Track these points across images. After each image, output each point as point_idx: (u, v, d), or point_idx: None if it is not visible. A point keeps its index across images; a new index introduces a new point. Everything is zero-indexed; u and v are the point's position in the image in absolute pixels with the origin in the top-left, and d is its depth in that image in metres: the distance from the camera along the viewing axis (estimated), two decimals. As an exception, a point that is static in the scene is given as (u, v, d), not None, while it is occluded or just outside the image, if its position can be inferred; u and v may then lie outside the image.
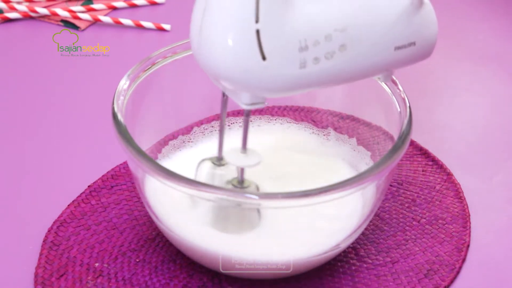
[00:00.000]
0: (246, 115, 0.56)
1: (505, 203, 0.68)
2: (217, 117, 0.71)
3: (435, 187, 0.69)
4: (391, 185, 0.68)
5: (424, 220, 0.65)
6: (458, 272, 0.62)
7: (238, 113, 0.72)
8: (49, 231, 0.63)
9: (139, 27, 0.90)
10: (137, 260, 0.62)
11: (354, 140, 0.68)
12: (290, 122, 0.71)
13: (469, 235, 0.64)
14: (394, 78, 0.62)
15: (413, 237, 0.64)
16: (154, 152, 0.66)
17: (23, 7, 0.90)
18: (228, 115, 0.71)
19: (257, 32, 0.50)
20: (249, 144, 0.58)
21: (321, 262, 0.60)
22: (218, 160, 0.62)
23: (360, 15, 0.53)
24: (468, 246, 0.64)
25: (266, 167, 0.61)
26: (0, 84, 0.82)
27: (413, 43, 0.55)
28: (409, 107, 0.60)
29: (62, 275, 0.60)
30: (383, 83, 0.63)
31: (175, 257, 0.62)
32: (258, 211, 0.59)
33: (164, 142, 0.67)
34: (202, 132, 0.70)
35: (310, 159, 0.67)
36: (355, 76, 0.55)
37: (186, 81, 0.68)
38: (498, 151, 0.74)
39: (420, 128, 0.70)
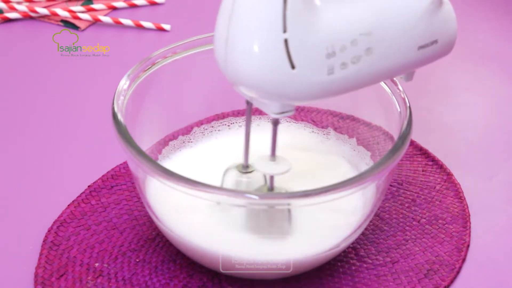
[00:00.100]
0: (274, 124, 0.56)
1: (505, 203, 0.68)
2: (217, 117, 0.71)
3: (435, 187, 0.69)
4: (391, 185, 0.68)
5: (424, 220, 0.65)
6: (458, 272, 0.62)
7: (238, 113, 0.72)
8: (49, 231, 0.63)
9: (139, 27, 0.90)
10: (137, 260, 0.62)
11: (354, 140, 0.68)
12: (289, 122, 0.71)
13: (469, 235, 0.64)
14: (394, 78, 0.62)
15: (413, 237, 0.64)
16: (154, 152, 0.66)
17: (23, 7, 0.90)
18: (228, 115, 0.71)
19: (285, 41, 0.50)
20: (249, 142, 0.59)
21: (321, 262, 0.60)
22: (244, 168, 0.62)
23: (384, 18, 0.53)
24: (468, 246, 0.64)
25: None
26: (0, 84, 0.82)
27: (435, 41, 0.56)
28: (409, 107, 0.60)
29: (62, 275, 0.60)
30: (383, 83, 0.63)
31: (175, 257, 0.62)
32: (289, 217, 0.59)
33: (164, 142, 0.67)
34: (202, 132, 0.70)
35: (311, 157, 0.67)
36: (380, 78, 0.55)
37: (186, 81, 0.68)
38: (498, 151, 0.74)
39: (420, 128, 0.70)
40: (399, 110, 0.61)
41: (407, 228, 0.65)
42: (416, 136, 0.72)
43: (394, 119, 0.61)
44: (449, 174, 0.70)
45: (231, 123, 0.71)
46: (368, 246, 0.63)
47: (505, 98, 0.81)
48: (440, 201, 0.67)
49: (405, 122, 0.58)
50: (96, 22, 0.91)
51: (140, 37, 0.89)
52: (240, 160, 0.62)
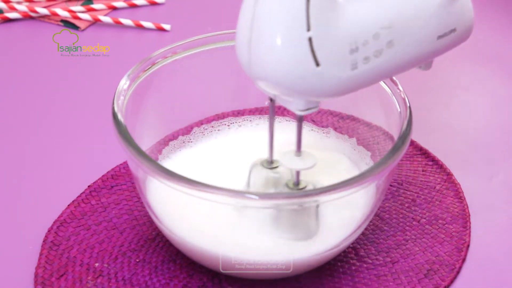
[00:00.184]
0: (299, 120, 0.56)
1: (505, 203, 0.68)
2: (217, 117, 0.71)
3: (435, 187, 0.69)
4: (391, 185, 0.68)
5: (424, 220, 0.65)
6: (458, 272, 0.62)
7: (238, 113, 0.72)
8: (49, 231, 0.63)
9: (139, 27, 0.90)
10: (137, 260, 0.62)
11: (354, 140, 0.68)
12: (289, 121, 0.71)
13: (469, 235, 0.64)
14: (394, 78, 0.62)
15: (413, 237, 0.64)
16: (154, 152, 0.66)
17: (23, 7, 0.90)
18: (228, 115, 0.71)
19: (310, 40, 0.50)
20: (247, 140, 0.59)
21: (321, 262, 0.60)
22: (269, 164, 0.62)
23: (404, 10, 0.54)
24: (468, 246, 0.64)
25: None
26: (0, 84, 0.82)
27: (454, 30, 0.57)
28: (409, 107, 0.60)
29: (62, 275, 0.60)
30: (383, 83, 0.63)
31: (175, 257, 0.62)
32: (316, 218, 0.59)
33: (164, 142, 0.67)
34: (202, 132, 0.70)
35: (312, 152, 0.67)
36: (401, 69, 0.56)
37: (186, 81, 0.68)
38: (498, 151, 0.74)
39: (420, 128, 0.70)
40: (399, 110, 0.61)
41: (407, 228, 0.65)
42: (416, 136, 0.72)
43: (394, 119, 0.61)
44: (449, 174, 0.70)
45: (230, 123, 0.71)
46: (368, 246, 0.63)
47: (505, 98, 0.81)
48: (440, 201, 0.67)
49: (405, 122, 0.58)
50: (96, 22, 0.91)
51: (140, 37, 0.89)
52: (237, 159, 0.63)
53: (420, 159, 0.71)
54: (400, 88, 0.62)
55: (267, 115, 0.72)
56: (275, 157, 0.61)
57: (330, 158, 0.67)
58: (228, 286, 0.60)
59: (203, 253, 0.58)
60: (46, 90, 0.81)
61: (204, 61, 0.67)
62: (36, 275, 0.60)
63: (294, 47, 0.50)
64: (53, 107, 0.78)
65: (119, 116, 0.58)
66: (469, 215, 0.66)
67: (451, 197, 0.68)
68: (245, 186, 0.62)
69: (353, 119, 0.69)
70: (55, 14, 0.91)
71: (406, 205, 0.67)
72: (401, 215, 0.66)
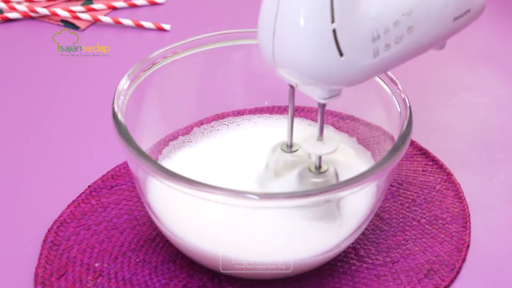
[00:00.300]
0: (321, 108, 0.58)
1: (505, 203, 0.68)
2: (217, 117, 0.71)
3: (435, 187, 0.69)
4: (391, 185, 0.68)
5: (424, 220, 0.65)
6: (458, 272, 0.62)
7: (238, 113, 0.72)
8: (49, 231, 0.63)
9: (139, 27, 0.90)
10: (137, 260, 0.62)
11: (354, 139, 0.68)
12: (286, 118, 0.71)
13: (469, 235, 0.64)
14: (394, 78, 0.62)
15: (413, 237, 0.64)
16: (154, 152, 0.66)
17: (23, 7, 0.90)
18: (228, 115, 0.71)
19: (334, 31, 0.51)
20: (246, 138, 0.61)
21: (321, 262, 0.60)
22: (288, 148, 0.63)
23: None
24: (468, 246, 0.64)
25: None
26: (0, 84, 0.82)
27: (468, 11, 0.58)
28: (409, 107, 0.60)
29: (62, 275, 0.60)
30: (383, 83, 0.63)
31: (175, 257, 0.62)
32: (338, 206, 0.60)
33: (164, 142, 0.67)
34: (202, 132, 0.70)
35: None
36: (419, 52, 0.57)
37: (186, 81, 0.68)
38: (498, 151, 0.74)
39: (420, 128, 0.70)
40: (399, 110, 0.61)
41: (407, 228, 0.65)
42: (416, 136, 0.72)
43: (394, 119, 0.61)
44: (449, 174, 0.70)
45: (230, 123, 0.71)
46: (368, 246, 0.63)
47: (505, 98, 0.81)
48: (440, 201, 0.67)
49: (405, 122, 0.58)
50: (96, 22, 0.91)
51: (140, 37, 0.89)
52: (237, 157, 0.64)
53: (420, 159, 0.71)
54: (400, 88, 0.62)
55: (266, 114, 0.72)
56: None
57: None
58: (228, 286, 0.60)
59: (203, 253, 0.58)
60: (46, 90, 0.81)
61: (204, 61, 0.67)
62: (36, 275, 0.60)
63: (319, 39, 0.52)
64: (53, 107, 0.78)
65: (119, 116, 0.58)
66: (469, 215, 0.66)
67: (451, 197, 0.68)
68: (264, 168, 0.63)
69: (353, 119, 0.69)
70: (55, 14, 0.91)
71: (406, 205, 0.67)
72: (401, 215, 0.66)
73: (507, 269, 0.62)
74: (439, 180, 0.69)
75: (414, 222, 0.65)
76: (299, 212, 0.58)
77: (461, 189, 0.68)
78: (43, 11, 0.90)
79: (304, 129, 0.70)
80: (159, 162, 0.65)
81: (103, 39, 0.88)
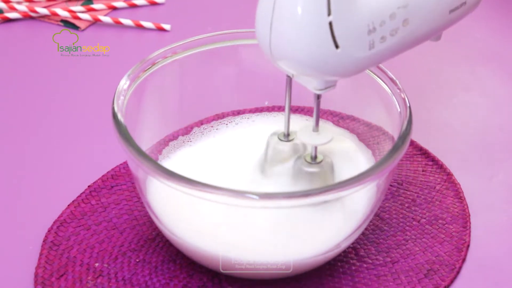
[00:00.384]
0: (317, 98, 0.58)
1: (505, 203, 0.68)
2: (217, 117, 0.71)
3: (435, 187, 0.69)
4: (391, 185, 0.68)
5: (424, 220, 0.65)
6: (458, 272, 0.62)
7: (238, 113, 0.72)
8: (49, 231, 0.63)
9: (139, 27, 0.90)
10: (137, 260, 0.62)
11: (355, 136, 0.68)
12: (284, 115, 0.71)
13: (469, 235, 0.64)
14: (394, 78, 0.62)
15: (413, 237, 0.64)
16: (154, 152, 0.66)
17: (23, 7, 0.90)
18: (228, 115, 0.71)
19: (330, 24, 0.52)
20: (245, 137, 0.61)
21: (321, 262, 0.60)
22: (285, 137, 0.64)
23: None
24: (468, 246, 0.64)
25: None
26: (0, 84, 0.82)
27: (464, 3, 0.59)
28: (409, 107, 0.60)
29: (62, 275, 0.60)
30: (383, 83, 0.63)
31: (175, 257, 0.62)
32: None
33: (164, 142, 0.67)
34: (202, 132, 0.70)
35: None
36: (414, 44, 0.57)
37: (186, 81, 0.68)
38: (498, 151, 0.74)
39: (420, 128, 0.70)
40: (399, 110, 0.61)
41: (407, 228, 0.65)
42: (416, 136, 0.72)
43: (394, 119, 0.61)
44: (449, 174, 0.70)
45: (229, 122, 0.71)
46: (368, 246, 0.63)
47: (505, 98, 0.81)
48: (440, 201, 0.67)
49: (405, 122, 0.58)
50: (96, 22, 0.91)
51: (140, 37, 0.89)
52: (236, 156, 0.64)
53: (420, 159, 0.71)
54: (400, 88, 0.62)
55: (264, 112, 0.72)
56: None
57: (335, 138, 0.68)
58: (228, 286, 0.60)
59: (203, 253, 0.58)
60: (46, 90, 0.81)
61: (204, 61, 0.67)
62: (36, 275, 0.60)
63: (315, 32, 0.52)
64: (53, 107, 0.78)
65: (119, 116, 0.58)
66: (469, 215, 0.66)
67: (451, 197, 0.68)
68: (262, 158, 0.64)
69: (353, 119, 0.69)
70: (55, 14, 0.91)
71: (406, 205, 0.67)
72: (401, 215, 0.66)
73: (507, 269, 0.62)
74: (439, 180, 0.69)
75: (414, 222, 0.65)
76: (299, 212, 0.58)
77: (461, 189, 0.68)
78: (43, 11, 0.90)
79: (302, 123, 0.70)
80: (159, 162, 0.65)
81: (103, 39, 0.88)
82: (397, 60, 0.59)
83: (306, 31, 0.52)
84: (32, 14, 0.91)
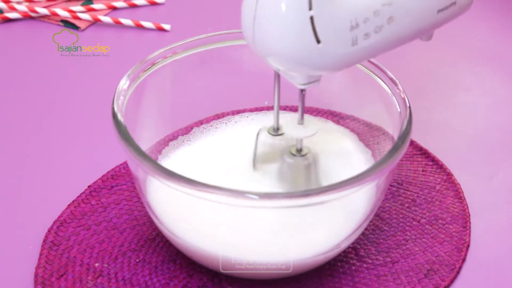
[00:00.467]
0: (301, 92, 0.58)
1: (505, 203, 0.68)
2: (217, 117, 0.71)
3: (435, 187, 0.69)
4: (391, 185, 0.68)
5: (424, 220, 0.65)
6: (458, 272, 0.62)
7: (238, 112, 0.72)
8: (49, 231, 0.63)
9: (139, 27, 0.90)
10: (137, 260, 0.62)
11: (355, 136, 0.68)
12: (282, 113, 0.71)
13: (469, 235, 0.64)
14: (394, 78, 0.62)
15: (413, 237, 0.64)
16: (154, 152, 0.66)
17: (23, 7, 0.90)
18: (228, 114, 0.71)
19: (311, 18, 0.52)
20: (244, 135, 0.62)
21: (321, 262, 0.60)
22: (275, 131, 0.64)
23: None
24: (468, 246, 0.64)
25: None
26: (0, 84, 0.82)
27: (454, 3, 0.58)
28: (409, 107, 0.60)
29: (62, 275, 0.60)
30: (383, 83, 0.63)
31: (175, 257, 0.62)
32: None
33: (164, 142, 0.67)
34: (201, 132, 0.70)
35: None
36: (400, 43, 0.57)
37: (186, 81, 0.68)
38: (498, 151, 0.74)
39: (420, 128, 0.70)
40: (399, 110, 0.61)
41: (407, 228, 0.65)
42: (416, 136, 0.72)
43: (394, 119, 0.61)
44: (449, 174, 0.70)
45: (228, 121, 0.71)
46: (368, 246, 0.63)
47: (505, 98, 0.81)
48: (440, 201, 0.67)
49: (405, 122, 0.58)
50: (96, 22, 0.91)
51: (140, 37, 0.89)
52: (235, 154, 0.64)
53: (420, 159, 0.71)
54: (400, 88, 0.62)
55: (263, 111, 0.72)
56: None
57: (334, 135, 0.68)
58: (228, 286, 0.60)
59: (203, 253, 0.58)
60: (46, 90, 0.81)
61: (204, 61, 0.67)
62: (36, 275, 0.60)
63: (296, 26, 0.52)
64: (53, 107, 0.78)
65: (119, 116, 0.58)
66: (469, 215, 0.66)
67: (451, 197, 0.68)
68: (252, 155, 0.64)
69: (353, 119, 0.69)
70: (55, 14, 0.91)
71: (406, 205, 0.67)
72: (401, 215, 0.66)
73: (507, 269, 0.62)
74: (439, 180, 0.69)
75: (414, 222, 0.65)
76: (299, 212, 0.58)
77: (461, 189, 0.68)
78: (43, 11, 0.90)
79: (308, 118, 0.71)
80: (158, 161, 0.65)
81: (103, 39, 0.88)
82: (397, 60, 0.59)
83: (288, 25, 0.52)
84: (32, 14, 0.91)
